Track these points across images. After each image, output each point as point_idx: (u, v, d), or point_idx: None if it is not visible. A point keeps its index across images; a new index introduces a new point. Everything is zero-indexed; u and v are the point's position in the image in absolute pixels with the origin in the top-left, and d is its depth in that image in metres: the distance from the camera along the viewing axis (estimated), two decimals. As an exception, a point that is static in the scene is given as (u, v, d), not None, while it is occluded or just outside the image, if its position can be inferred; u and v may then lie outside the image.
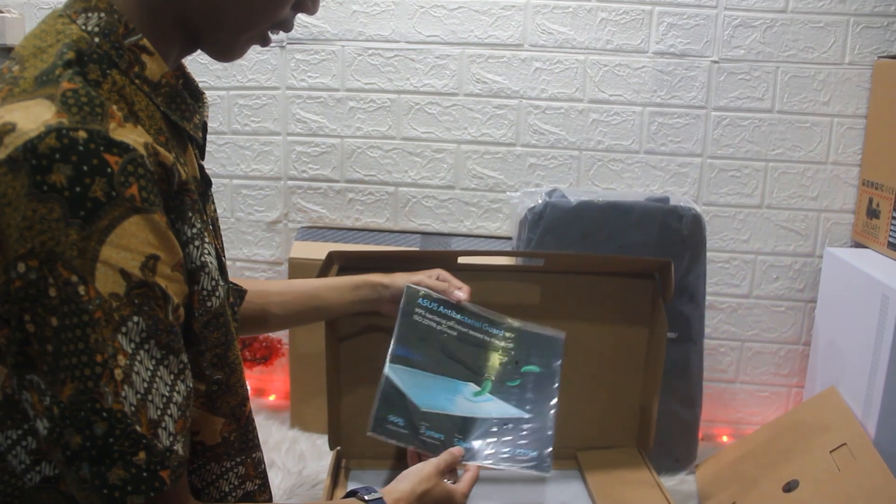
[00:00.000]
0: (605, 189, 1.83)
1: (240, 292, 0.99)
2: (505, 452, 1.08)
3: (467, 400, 1.12)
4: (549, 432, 1.11)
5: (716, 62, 1.77)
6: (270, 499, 0.91)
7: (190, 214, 0.70)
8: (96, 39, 0.68)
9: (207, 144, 2.01)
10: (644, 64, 1.77)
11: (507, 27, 1.78)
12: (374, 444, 1.09)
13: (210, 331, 0.75)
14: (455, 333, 1.17)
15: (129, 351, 0.62)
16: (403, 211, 1.88)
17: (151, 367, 0.64)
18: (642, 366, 1.38)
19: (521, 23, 1.77)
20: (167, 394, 0.65)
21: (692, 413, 1.69)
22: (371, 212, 1.89)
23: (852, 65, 1.75)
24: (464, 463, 1.04)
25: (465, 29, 1.78)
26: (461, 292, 1.20)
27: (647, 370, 1.37)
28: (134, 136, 0.64)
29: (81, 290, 0.60)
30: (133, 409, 0.62)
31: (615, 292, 1.36)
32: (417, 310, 1.16)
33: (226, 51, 0.78)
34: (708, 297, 1.74)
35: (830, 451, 1.40)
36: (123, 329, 0.62)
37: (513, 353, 1.18)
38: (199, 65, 1.81)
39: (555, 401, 1.14)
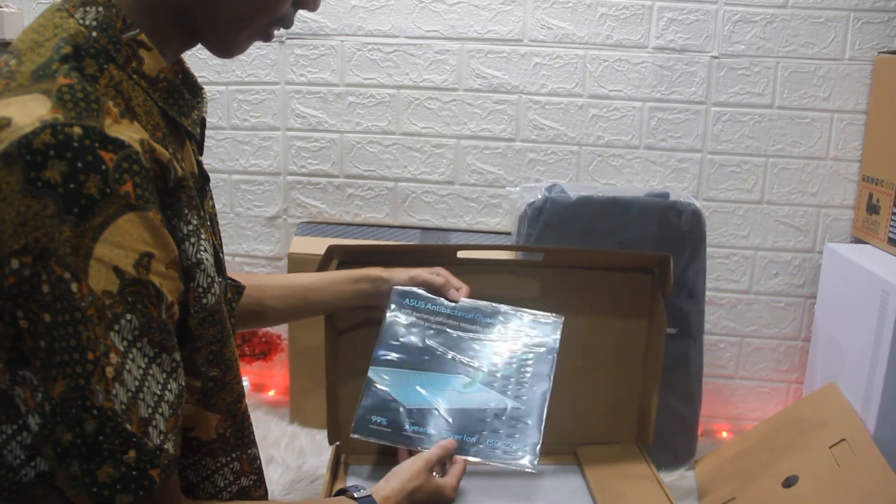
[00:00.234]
0: (604, 184, 1.83)
1: (238, 288, 0.99)
2: (493, 447, 1.08)
3: (457, 393, 1.13)
4: (540, 425, 1.11)
5: (716, 57, 1.76)
6: (266, 494, 0.91)
7: (186, 211, 0.70)
8: (94, 34, 0.67)
9: (207, 140, 2.00)
10: (644, 59, 1.77)
11: (507, 22, 1.77)
12: (373, 440, 1.10)
13: (205, 328, 0.75)
14: (445, 328, 1.18)
15: (122, 349, 0.62)
16: (403, 206, 1.88)
17: (143, 366, 0.64)
18: (641, 361, 1.38)
19: (521, 18, 1.77)
20: (158, 392, 0.65)
21: (692, 409, 1.69)
22: (370, 207, 1.89)
23: (852, 60, 1.75)
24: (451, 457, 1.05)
25: (465, 24, 1.78)
26: (459, 293, 1.20)
27: (646, 365, 1.37)
28: (130, 133, 0.63)
29: (74, 287, 0.60)
30: (124, 407, 0.62)
31: (614, 287, 1.36)
32: (404, 309, 1.18)
33: (226, 47, 0.77)
34: (707, 293, 1.74)
35: (830, 447, 1.40)
36: (116, 327, 0.62)
37: (506, 341, 1.19)
38: (198, 60, 1.80)
39: (548, 390, 1.14)
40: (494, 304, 1.21)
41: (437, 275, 1.21)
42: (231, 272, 0.98)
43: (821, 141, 1.79)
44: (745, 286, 1.87)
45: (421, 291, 1.20)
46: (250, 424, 0.87)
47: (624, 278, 1.35)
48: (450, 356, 1.16)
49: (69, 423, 0.61)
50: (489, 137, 1.83)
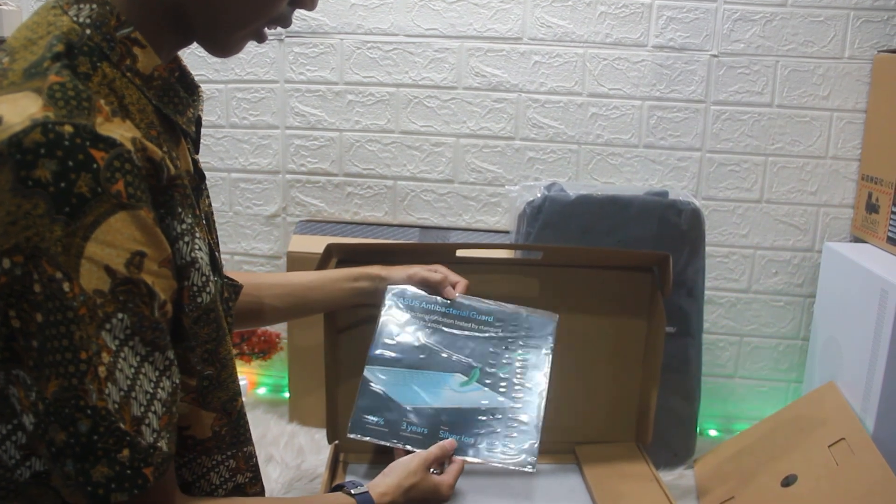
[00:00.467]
0: (604, 183, 1.83)
1: (235, 288, 0.98)
2: (491, 447, 1.08)
3: (454, 391, 1.13)
4: (538, 425, 1.11)
5: (715, 56, 1.76)
6: (262, 491, 0.91)
7: (180, 210, 0.70)
8: (87, 31, 0.67)
9: (205, 138, 2.01)
10: (643, 58, 1.77)
11: (507, 20, 1.77)
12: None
13: (200, 326, 0.75)
14: (441, 326, 1.18)
15: (113, 348, 0.62)
16: (402, 205, 1.88)
17: (135, 364, 0.64)
18: (641, 360, 1.37)
19: (521, 16, 1.77)
20: (151, 390, 0.65)
21: (691, 408, 1.69)
22: (370, 205, 1.89)
23: (852, 59, 1.74)
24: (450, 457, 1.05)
25: (464, 22, 1.78)
26: (458, 287, 1.20)
27: (645, 364, 1.37)
28: (121, 131, 0.63)
29: (66, 286, 0.59)
30: (116, 406, 0.62)
31: (613, 286, 1.35)
32: (399, 308, 1.18)
33: (221, 47, 0.77)
34: (707, 292, 1.74)
35: (829, 446, 1.39)
36: (107, 326, 0.62)
37: (502, 339, 1.18)
38: (196, 58, 1.80)
39: (544, 389, 1.14)
40: (489, 302, 1.21)
41: (435, 272, 1.21)
42: (229, 271, 0.98)
43: (820, 140, 1.78)
44: (745, 285, 1.86)
45: (416, 290, 1.20)
46: (246, 423, 0.87)
47: (623, 277, 1.35)
48: (445, 355, 1.15)
49: (63, 422, 0.61)
50: (488, 136, 1.83)
